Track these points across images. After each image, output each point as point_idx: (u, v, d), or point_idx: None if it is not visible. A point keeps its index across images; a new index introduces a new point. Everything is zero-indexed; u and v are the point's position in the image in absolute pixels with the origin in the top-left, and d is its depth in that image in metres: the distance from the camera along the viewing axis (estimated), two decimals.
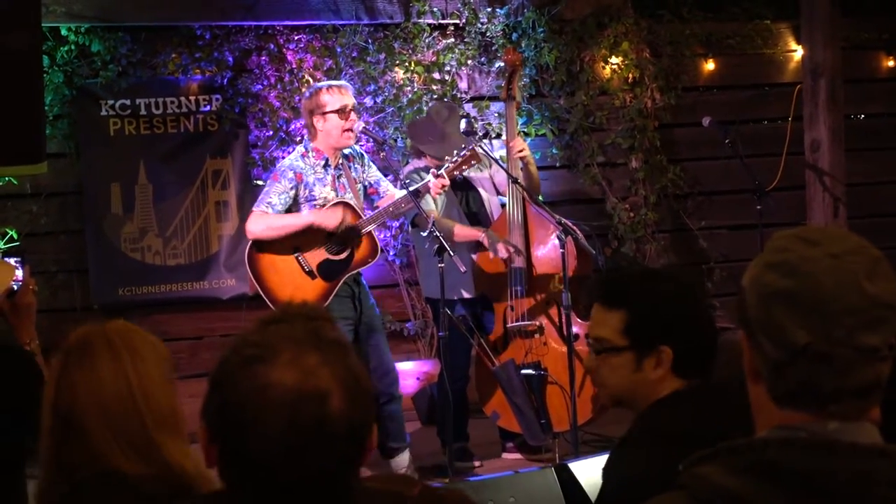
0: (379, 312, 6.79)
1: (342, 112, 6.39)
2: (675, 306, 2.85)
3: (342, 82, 6.74)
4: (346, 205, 6.41)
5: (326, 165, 6.46)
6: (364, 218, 6.39)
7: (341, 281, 6.41)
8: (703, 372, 2.85)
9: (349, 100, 6.46)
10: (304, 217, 6.36)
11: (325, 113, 6.40)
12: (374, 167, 6.83)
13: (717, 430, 2.31)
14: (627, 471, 2.73)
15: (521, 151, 6.76)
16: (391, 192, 6.65)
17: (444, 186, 6.37)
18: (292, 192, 6.39)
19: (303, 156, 6.48)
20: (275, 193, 6.38)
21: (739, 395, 2.52)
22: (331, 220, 6.32)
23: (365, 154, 6.86)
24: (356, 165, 6.67)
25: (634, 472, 2.69)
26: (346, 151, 6.62)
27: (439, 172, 6.38)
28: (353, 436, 1.77)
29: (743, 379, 2.56)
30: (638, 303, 2.84)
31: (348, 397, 1.74)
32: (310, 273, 6.39)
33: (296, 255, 6.42)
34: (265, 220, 6.37)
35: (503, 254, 6.61)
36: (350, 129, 6.44)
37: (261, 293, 6.48)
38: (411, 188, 6.37)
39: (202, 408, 1.82)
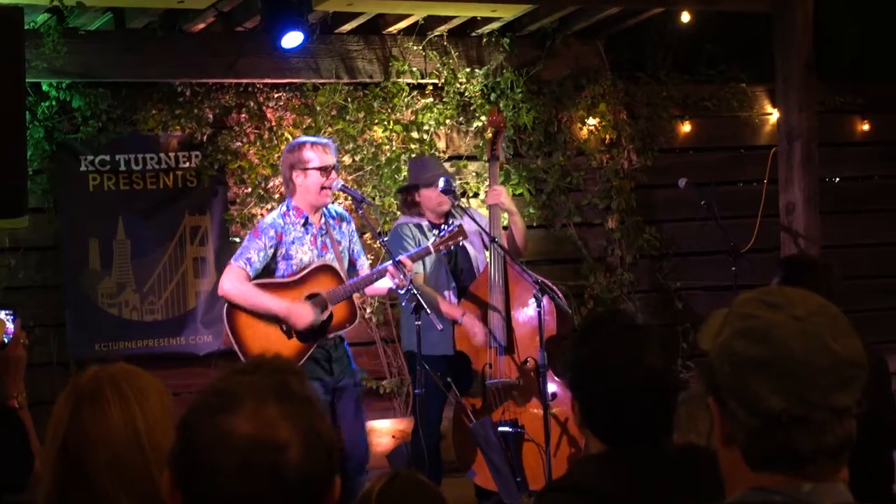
0: (359, 378, 6.67)
1: (324, 170, 6.26)
2: (588, 356, 2.72)
3: (327, 140, 6.59)
4: (329, 267, 6.33)
5: (306, 224, 6.33)
6: (337, 288, 6.27)
7: (315, 344, 6.28)
8: (627, 440, 2.64)
9: (332, 159, 6.32)
10: (279, 305, 6.18)
11: (306, 169, 6.25)
12: (359, 242, 6.76)
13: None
14: None
15: (498, 195, 6.81)
16: (366, 271, 6.54)
17: (400, 280, 6.17)
18: (271, 251, 6.26)
19: (284, 214, 6.33)
20: (254, 250, 6.24)
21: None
22: (302, 318, 6.15)
23: (352, 221, 6.75)
24: (342, 228, 6.57)
25: None
26: (334, 212, 6.58)
27: (427, 244, 6.40)
28: (310, 488, 1.79)
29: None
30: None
31: (307, 450, 1.76)
32: (286, 332, 6.24)
33: None
34: (242, 287, 6.21)
35: (480, 340, 6.69)
36: (328, 188, 6.30)
37: (234, 347, 6.32)
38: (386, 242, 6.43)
39: (168, 453, 1.85)
